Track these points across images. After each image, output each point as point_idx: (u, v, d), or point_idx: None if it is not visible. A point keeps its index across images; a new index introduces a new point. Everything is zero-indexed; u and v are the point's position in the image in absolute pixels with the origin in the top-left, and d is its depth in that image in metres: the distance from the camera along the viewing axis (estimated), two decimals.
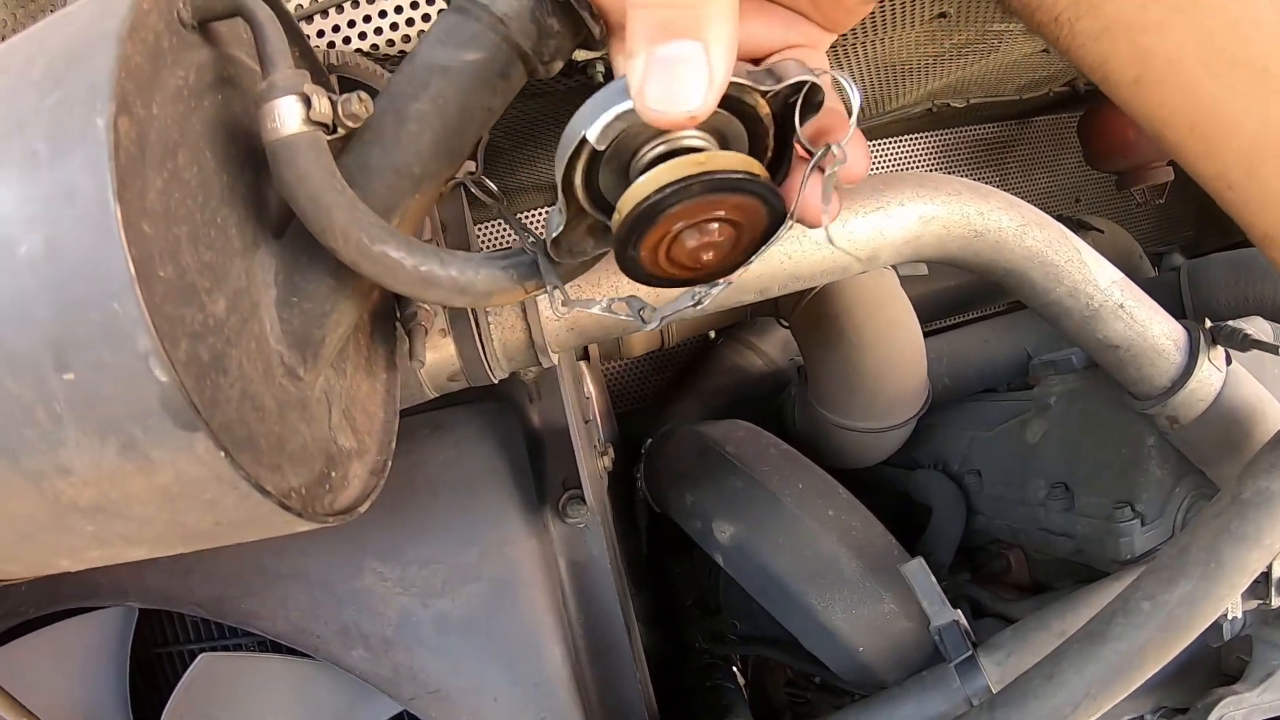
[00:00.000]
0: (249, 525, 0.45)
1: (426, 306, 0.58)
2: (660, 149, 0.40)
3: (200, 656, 0.81)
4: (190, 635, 0.96)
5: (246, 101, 0.48)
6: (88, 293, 0.36)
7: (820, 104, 0.41)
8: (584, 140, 0.38)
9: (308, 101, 0.41)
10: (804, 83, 0.40)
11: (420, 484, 0.73)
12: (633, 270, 0.41)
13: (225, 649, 0.90)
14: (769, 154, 0.43)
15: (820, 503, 0.84)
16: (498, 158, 1.09)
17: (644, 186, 0.38)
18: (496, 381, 0.63)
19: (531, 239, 0.45)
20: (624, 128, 0.38)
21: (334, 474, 0.50)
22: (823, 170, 0.40)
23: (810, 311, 1.01)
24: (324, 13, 0.74)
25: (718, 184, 0.37)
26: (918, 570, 0.76)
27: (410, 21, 0.74)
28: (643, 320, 0.43)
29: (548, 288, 0.44)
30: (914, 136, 1.57)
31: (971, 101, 1.29)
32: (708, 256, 0.41)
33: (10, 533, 0.47)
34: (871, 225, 0.66)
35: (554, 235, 0.42)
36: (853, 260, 0.66)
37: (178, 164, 0.41)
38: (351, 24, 0.74)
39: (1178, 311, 1.11)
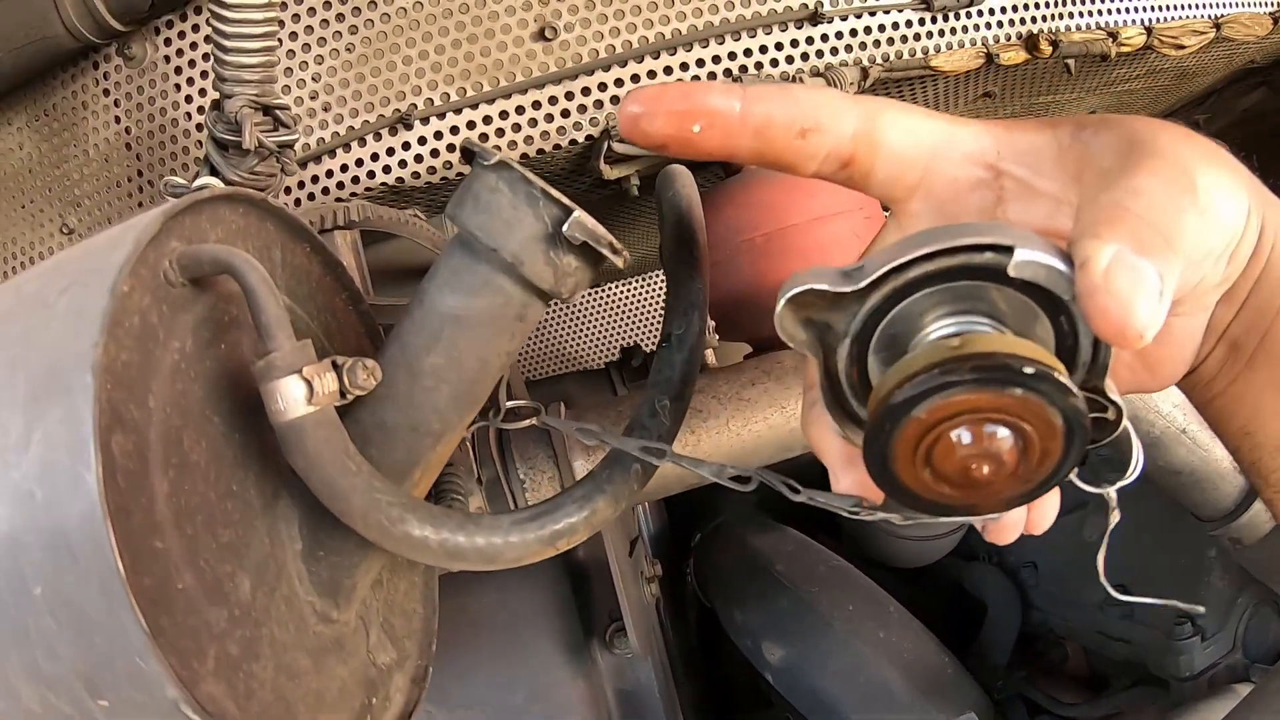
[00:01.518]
0: None
1: (460, 495, 0.56)
2: (950, 328, 0.34)
3: None
4: None
5: (253, 339, 0.45)
6: (108, 646, 0.34)
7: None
8: (1009, 254, 0.32)
9: (309, 382, 0.39)
10: None
11: (464, 626, 0.71)
12: (887, 484, 0.33)
13: None
14: None
15: (871, 625, 0.81)
16: None
17: (912, 362, 0.31)
18: None
19: (583, 484, 0.42)
20: (1043, 280, 0.33)
21: (374, 700, 0.49)
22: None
23: None
24: (346, 146, 0.72)
25: (1001, 376, 0.30)
26: None
27: (435, 153, 0.71)
28: (793, 492, 0.37)
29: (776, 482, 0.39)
30: None
31: None
32: (976, 468, 0.32)
33: None
34: None
35: (837, 287, 0.34)
36: None
37: (183, 451, 0.39)
38: (375, 157, 0.71)
39: None
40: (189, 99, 0.72)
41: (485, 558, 0.41)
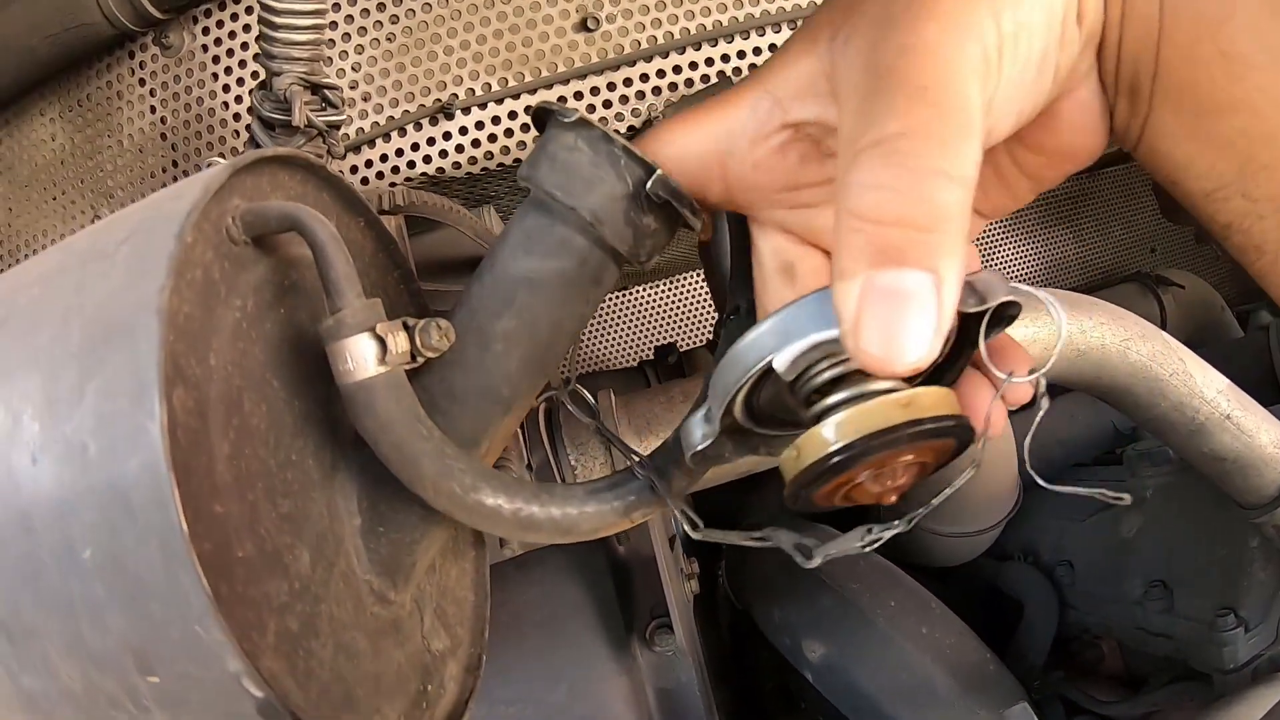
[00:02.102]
0: None
1: None
2: (844, 374, 0.33)
3: None
4: None
5: (313, 304, 0.42)
6: (164, 613, 0.30)
7: (1011, 319, 0.35)
8: (770, 368, 0.32)
9: (382, 340, 0.35)
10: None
11: (506, 623, 0.68)
12: (801, 507, 0.35)
13: None
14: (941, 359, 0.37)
15: (912, 620, 0.77)
16: None
17: (839, 431, 0.31)
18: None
19: (639, 461, 0.38)
20: (820, 356, 0.32)
21: (430, 687, 0.45)
22: (1003, 398, 0.34)
23: None
24: (386, 135, 0.69)
25: (927, 434, 0.31)
26: (1021, 715, 0.69)
27: (476, 143, 0.68)
28: (804, 557, 0.36)
29: (675, 515, 0.38)
30: None
31: None
32: (891, 499, 0.34)
33: None
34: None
35: (698, 448, 0.36)
36: None
37: (244, 413, 0.35)
38: (416, 147, 0.68)
39: (1267, 374, 1.02)
40: (226, 89, 0.69)
41: (560, 529, 0.38)
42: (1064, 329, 0.34)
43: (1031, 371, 0.35)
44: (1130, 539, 0.87)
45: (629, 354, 1.25)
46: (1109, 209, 1.53)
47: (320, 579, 0.38)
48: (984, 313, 0.34)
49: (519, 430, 0.56)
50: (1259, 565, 0.73)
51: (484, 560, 0.52)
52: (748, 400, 0.36)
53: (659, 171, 0.37)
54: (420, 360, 0.37)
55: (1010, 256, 1.42)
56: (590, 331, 1.26)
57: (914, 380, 0.36)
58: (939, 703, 0.75)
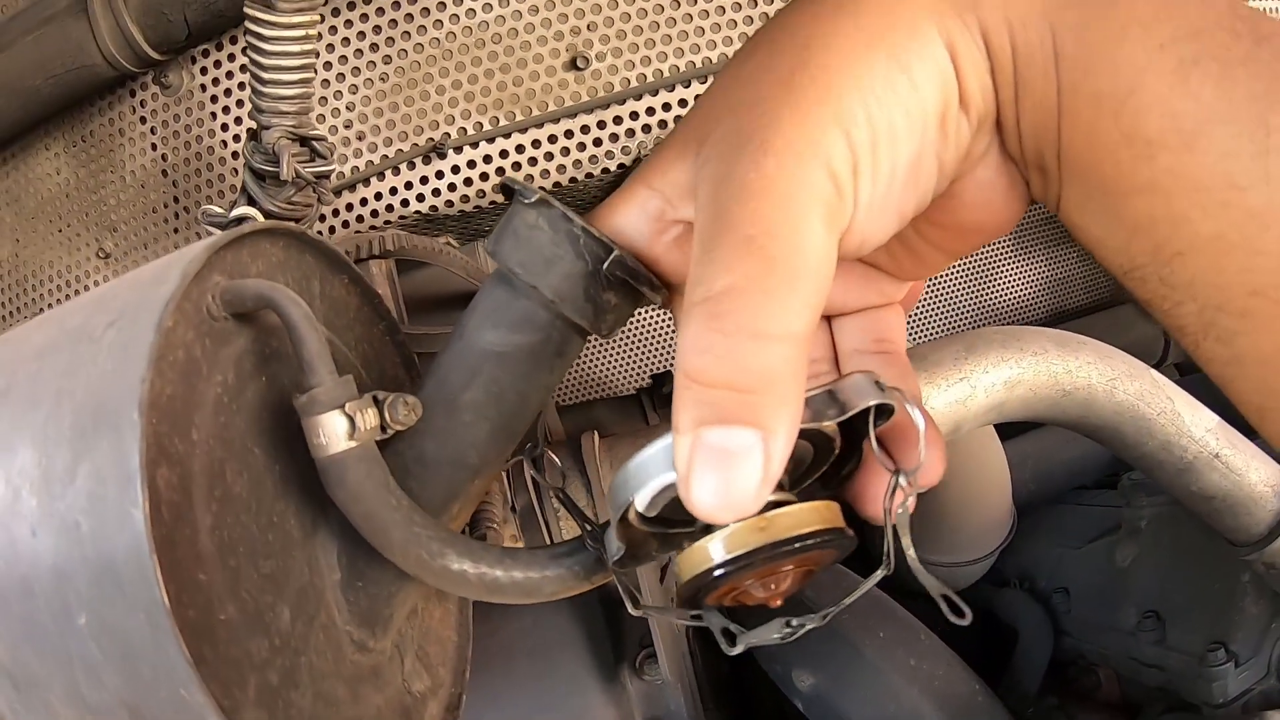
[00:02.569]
0: None
1: (495, 523, 0.56)
2: None
3: None
4: None
5: (293, 371, 0.45)
6: (153, 674, 0.34)
7: (888, 413, 0.37)
8: (631, 504, 0.35)
9: (351, 418, 0.39)
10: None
11: (496, 651, 0.72)
12: (696, 608, 0.39)
13: None
14: (837, 452, 0.40)
15: (902, 652, 0.80)
16: None
17: (701, 557, 0.35)
18: None
19: (591, 531, 0.42)
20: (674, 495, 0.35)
21: None
22: (900, 493, 0.37)
23: None
24: (380, 175, 0.72)
25: (784, 553, 0.34)
26: None
27: (468, 181, 0.72)
28: (728, 643, 0.40)
29: (621, 590, 0.41)
30: None
31: None
32: (776, 603, 0.38)
33: None
34: (953, 397, 0.62)
35: (614, 558, 0.39)
36: None
37: (226, 483, 0.39)
38: (409, 185, 0.72)
39: None
40: (224, 127, 0.73)
41: (524, 591, 0.41)
42: (923, 431, 0.37)
43: (908, 471, 0.37)
44: (1126, 568, 0.90)
45: (626, 380, 1.28)
46: None
47: (300, 633, 0.42)
48: (870, 410, 0.36)
49: (503, 475, 0.60)
50: (1251, 600, 0.75)
51: (467, 603, 0.56)
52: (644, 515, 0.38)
53: (616, 252, 0.40)
54: (389, 433, 0.41)
55: (1014, 276, 1.43)
56: (588, 358, 1.30)
57: (805, 482, 0.40)
58: None
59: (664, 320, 1.28)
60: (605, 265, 0.40)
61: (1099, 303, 1.41)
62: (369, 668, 0.46)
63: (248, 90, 0.72)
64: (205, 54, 0.73)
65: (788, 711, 1.03)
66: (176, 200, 0.75)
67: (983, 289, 1.39)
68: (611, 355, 1.27)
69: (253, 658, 0.38)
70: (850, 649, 0.80)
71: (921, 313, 1.39)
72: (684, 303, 0.33)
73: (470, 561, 0.40)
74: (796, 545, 0.34)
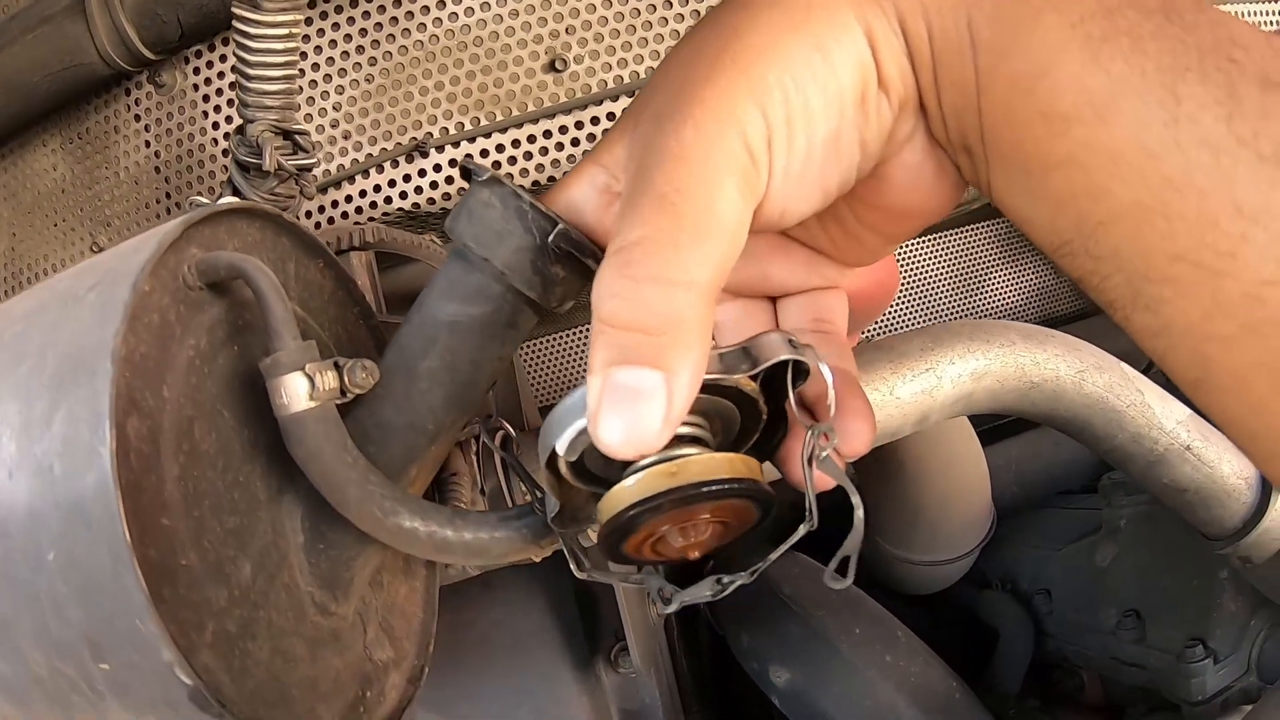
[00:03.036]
0: None
1: (463, 504, 0.59)
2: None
3: None
4: None
5: (264, 343, 0.49)
6: (113, 608, 0.38)
7: (804, 371, 0.40)
8: (554, 452, 0.38)
9: (312, 379, 0.43)
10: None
11: (471, 642, 0.75)
12: (621, 561, 0.42)
13: None
14: (765, 417, 0.43)
15: (879, 649, 0.83)
16: None
17: (615, 500, 0.38)
18: (538, 560, 0.64)
19: (540, 499, 0.45)
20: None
21: (369, 694, 0.52)
22: (814, 457, 0.40)
23: None
24: (365, 173, 0.77)
25: (690, 498, 0.37)
26: None
27: (450, 179, 0.76)
28: (663, 602, 0.43)
29: (566, 553, 0.44)
30: (976, 226, 1.50)
31: None
32: (695, 554, 0.41)
33: None
34: (919, 387, 0.65)
35: (551, 515, 0.43)
36: (901, 424, 0.65)
37: (194, 439, 0.43)
38: (392, 183, 0.76)
39: None
40: (215, 125, 0.78)
41: (472, 552, 0.45)
42: (831, 390, 0.40)
43: (824, 427, 0.40)
44: (1105, 568, 0.92)
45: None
46: None
47: (261, 588, 0.45)
48: (791, 370, 0.39)
49: (473, 458, 0.64)
50: (1229, 597, 0.78)
51: (434, 581, 0.60)
52: (577, 464, 0.42)
53: (560, 225, 0.43)
54: (349, 396, 0.44)
55: (1003, 282, 1.47)
56: (572, 359, 1.33)
57: (741, 442, 0.43)
58: None
59: None
60: (550, 238, 0.44)
61: (1087, 310, 1.44)
62: (329, 631, 0.50)
63: (236, 87, 0.77)
64: (198, 54, 0.77)
65: (774, 713, 1.06)
66: (169, 195, 0.80)
67: (972, 295, 1.42)
68: (573, 365, 1.30)
69: (211, 604, 0.42)
70: (826, 645, 0.83)
71: (910, 318, 1.42)
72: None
73: (421, 520, 0.44)
74: (704, 490, 0.37)
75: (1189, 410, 0.71)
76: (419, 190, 0.76)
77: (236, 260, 0.44)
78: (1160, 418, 0.70)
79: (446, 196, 0.76)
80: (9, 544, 0.40)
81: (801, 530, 0.41)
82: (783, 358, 0.38)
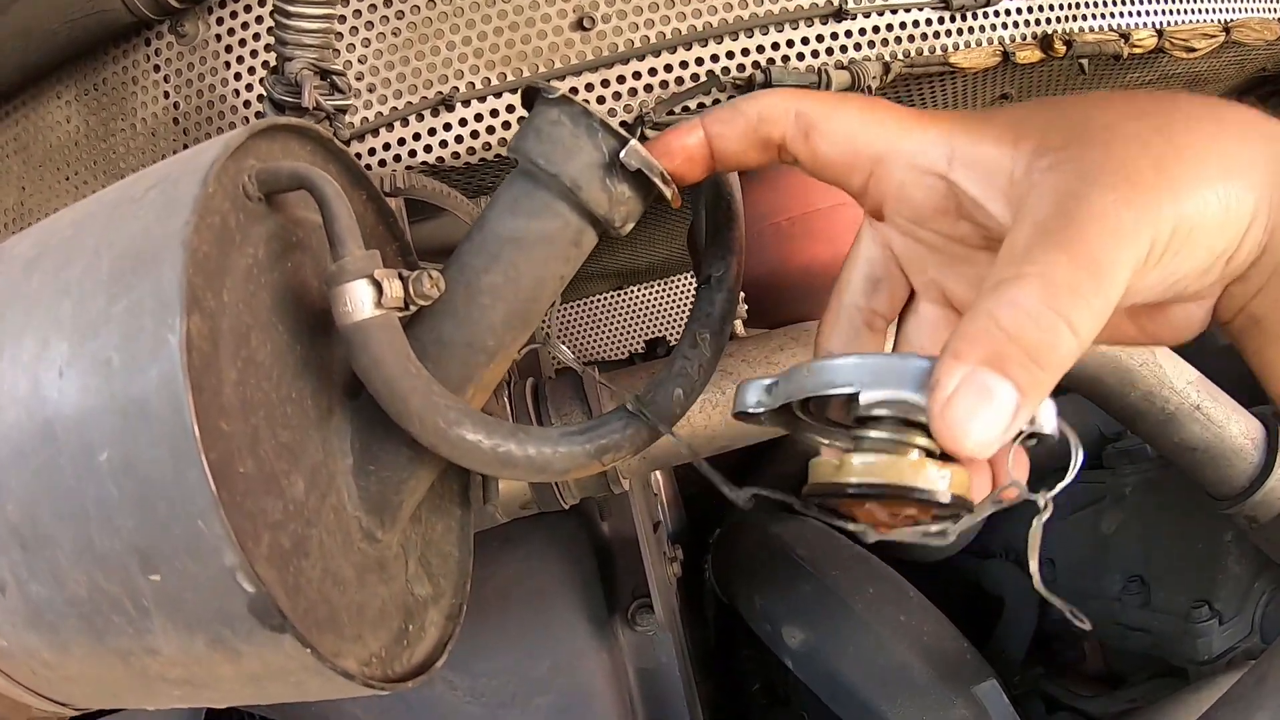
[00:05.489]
0: (325, 693, 0.44)
1: None
2: (897, 419, 0.38)
3: None
4: None
5: (316, 263, 0.47)
6: (170, 511, 0.35)
7: (1046, 444, 0.40)
8: (855, 396, 0.37)
9: (379, 285, 0.41)
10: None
11: (491, 596, 0.72)
12: (810, 504, 0.41)
13: None
14: None
15: (891, 609, 0.82)
16: None
17: (865, 471, 0.37)
18: (568, 507, 0.62)
19: (635, 396, 0.43)
20: (893, 406, 0.37)
21: (411, 627, 0.50)
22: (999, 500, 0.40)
23: None
24: (390, 125, 0.74)
25: (927, 503, 0.37)
26: (990, 691, 0.74)
27: (475, 134, 0.74)
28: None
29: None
30: None
31: None
32: (881, 531, 0.40)
33: (96, 690, 0.47)
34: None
35: (749, 410, 0.41)
36: None
37: (251, 348, 0.41)
38: (417, 137, 0.74)
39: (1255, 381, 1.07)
40: (238, 76, 0.75)
41: (535, 467, 0.43)
42: (1078, 459, 0.40)
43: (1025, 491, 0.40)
44: (1110, 535, 0.92)
45: (620, 349, 1.31)
46: None
47: (313, 506, 0.43)
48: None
49: (506, 401, 0.62)
50: (1233, 559, 0.78)
51: (469, 520, 0.57)
52: (810, 408, 0.42)
53: (632, 142, 0.42)
54: (413, 308, 0.42)
55: None
56: (584, 328, 1.32)
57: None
58: (916, 689, 0.79)
59: (657, 294, 1.31)
60: (621, 155, 0.42)
61: None
62: (375, 559, 0.47)
63: (261, 41, 0.74)
64: (222, 4, 0.74)
65: (776, 688, 1.04)
66: (186, 148, 0.76)
67: None
68: (607, 326, 1.29)
69: (267, 515, 0.39)
70: (841, 605, 0.81)
71: None
72: (1007, 260, 0.37)
73: (485, 433, 0.42)
74: (936, 500, 0.37)
75: (1198, 373, 0.71)
76: (444, 144, 0.74)
77: (300, 169, 0.42)
78: (1171, 377, 0.70)
79: (471, 151, 0.74)
80: (54, 449, 0.37)
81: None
82: (1048, 433, 0.38)
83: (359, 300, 0.40)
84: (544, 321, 0.49)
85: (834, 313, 0.48)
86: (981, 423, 0.34)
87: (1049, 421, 0.38)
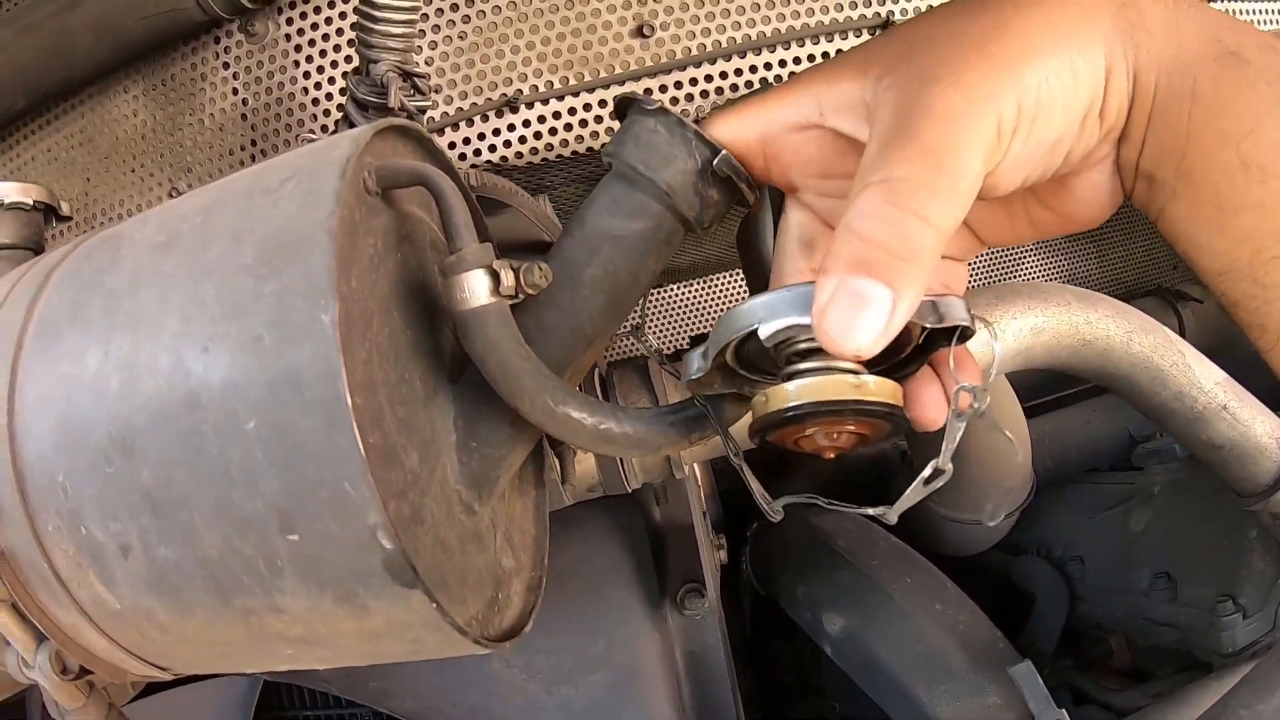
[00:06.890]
0: (436, 651, 0.48)
1: None
2: (816, 350, 0.43)
3: None
4: (307, 702, 1.00)
5: (420, 255, 0.51)
6: (318, 474, 0.39)
7: (966, 337, 0.44)
8: (754, 332, 0.41)
9: (495, 275, 0.45)
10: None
11: (550, 577, 0.77)
12: (758, 442, 0.45)
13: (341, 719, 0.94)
14: (903, 356, 0.47)
15: (929, 598, 0.86)
16: None
17: (796, 394, 0.41)
18: (631, 491, 0.67)
19: (704, 398, 0.48)
20: (797, 333, 0.41)
21: (500, 595, 0.54)
22: (960, 412, 0.44)
23: None
24: (455, 125, 0.79)
25: (866, 413, 0.41)
26: (1026, 673, 0.78)
27: (538, 135, 0.79)
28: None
29: (727, 448, 0.47)
30: None
31: None
32: (830, 455, 0.44)
33: (207, 653, 0.51)
34: (983, 340, 0.69)
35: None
36: None
37: (373, 330, 0.45)
38: (482, 136, 0.79)
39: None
40: (306, 75, 0.79)
41: (632, 443, 0.47)
42: (998, 353, 0.45)
43: (975, 388, 0.44)
44: (1139, 533, 0.96)
45: (665, 345, 1.36)
46: (1132, 225, 1.64)
47: (425, 478, 0.47)
48: (947, 329, 0.43)
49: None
50: (1258, 555, 0.82)
51: (544, 500, 0.62)
52: (738, 349, 0.45)
53: (724, 152, 0.47)
54: (522, 297, 0.47)
55: (1035, 268, 1.53)
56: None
57: (874, 370, 0.46)
58: (952, 675, 0.83)
59: (699, 292, 1.36)
60: (714, 163, 0.47)
61: (1116, 296, 1.50)
62: (472, 529, 0.52)
63: (330, 41, 0.79)
64: (292, 5, 0.79)
65: (809, 678, 1.09)
66: (254, 144, 0.81)
67: (1005, 279, 1.48)
68: (652, 323, 1.34)
69: (392, 484, 0.43)
70: (880, 592, 0.86)
71: None
72: (859, 178, 0.40)
73: (588, 412, 0.46)
74: (876, 408, 0.41)
75: (1225, 374, 0.76)
76: (507, 144, 0.79)
77: (419, 168, 0.46)
78: (1200, 378, 0.74)
79: (534, 151, 0.79)
80: (199, 416, 0.41)
81: (940, 481, 0.44)
82: (962, 323, 0.43)
83: (476, 288, 0.45)
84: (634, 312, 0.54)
85: (777, 281, 0.52)
86: (861, 323, 0.38)
87: (961, 315, 0.42)
